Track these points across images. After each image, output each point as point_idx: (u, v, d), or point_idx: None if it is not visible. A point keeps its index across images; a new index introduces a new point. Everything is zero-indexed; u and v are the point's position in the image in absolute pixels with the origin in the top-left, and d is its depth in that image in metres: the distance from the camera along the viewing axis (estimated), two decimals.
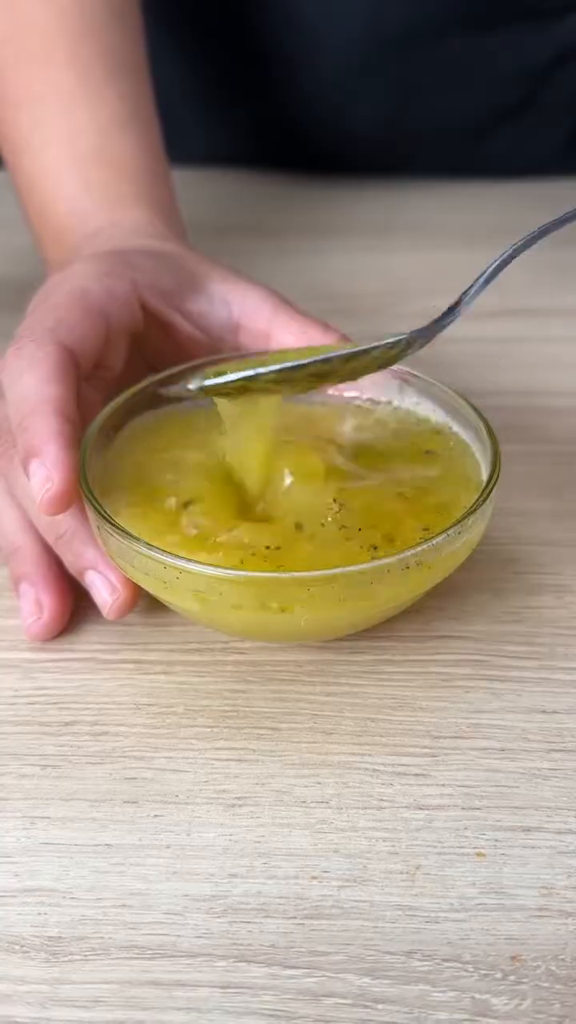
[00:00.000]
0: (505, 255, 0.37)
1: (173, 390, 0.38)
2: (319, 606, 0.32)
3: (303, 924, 0.29)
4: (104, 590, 0.36)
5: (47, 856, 0.31)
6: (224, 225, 0.66)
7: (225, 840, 0.31)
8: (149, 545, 0.33)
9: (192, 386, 0.36)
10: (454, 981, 0.28)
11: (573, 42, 0.64)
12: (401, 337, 0.36)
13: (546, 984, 0.28)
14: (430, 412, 0.40)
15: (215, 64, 0.66)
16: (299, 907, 0.30)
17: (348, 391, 0.42)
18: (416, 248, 0.63)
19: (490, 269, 0.37)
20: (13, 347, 0.37)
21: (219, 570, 0.32)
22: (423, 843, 0.31)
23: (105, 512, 0.34)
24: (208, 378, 0.35)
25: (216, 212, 0.67)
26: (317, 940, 0.29)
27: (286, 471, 0.37)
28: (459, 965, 0.28)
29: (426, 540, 0.33)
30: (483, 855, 0.31)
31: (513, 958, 0.29)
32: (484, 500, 0.35)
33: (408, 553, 0.32)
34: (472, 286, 0.37)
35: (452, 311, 0.37)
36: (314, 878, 0.30)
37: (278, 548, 0.34)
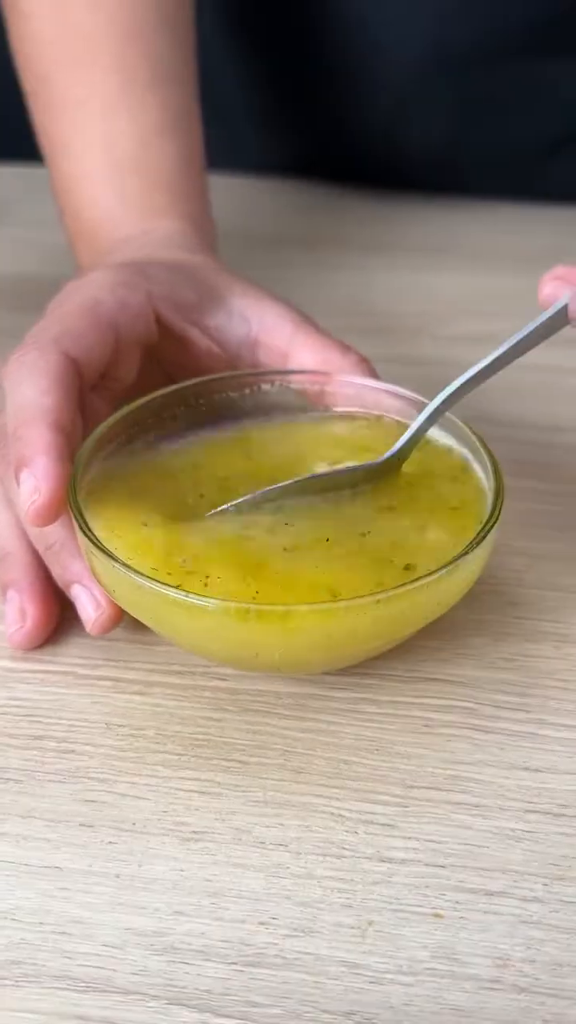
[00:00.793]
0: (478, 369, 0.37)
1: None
2: (291, 641, 0.31)
3: (243, 971, 0.28)
4: (89, 605, 0.36)
5: None
6: (272, 235, 0.65)
7: (176, 875, 0.31)
8: (124, 564, 0.32)
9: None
10: None
11: None
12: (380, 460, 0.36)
13: None
14: (451, 444, 0.39)
15: (276, 75, 0.66)
16: (241, 953, 0.29)
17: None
18: (463, 270, 0.62)
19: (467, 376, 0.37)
20: (17, 353, 0.37)
21: (183, 594, 0.31)
22: (379, 898, 0.30)
23: (86, 527, 0.33)
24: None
25: (266, 222, 0.67)
26: (255, 990, 0.28)
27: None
28: None
29: (408, 581, 0.32)
30: (441, 916, 0.30)
31: None
32: (478, 543, 0.33)
33: (388, 593, 0.31)
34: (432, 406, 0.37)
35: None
36: (261, 924, 0.29)
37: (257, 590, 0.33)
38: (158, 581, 0.31)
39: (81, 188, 0.49)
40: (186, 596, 0.31)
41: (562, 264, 0.37)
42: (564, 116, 0.63)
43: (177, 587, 0.31)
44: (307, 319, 0.42)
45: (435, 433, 0.39)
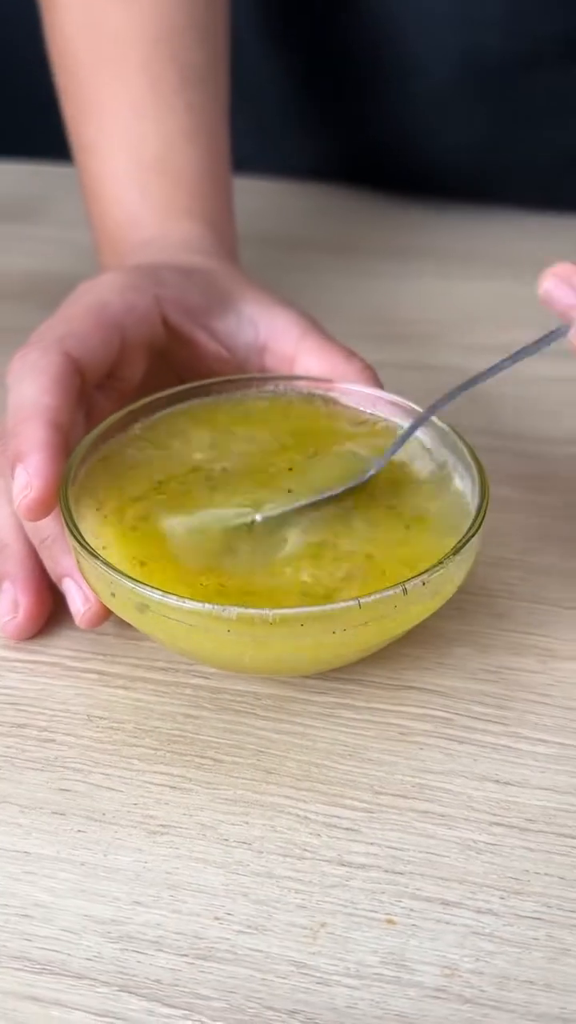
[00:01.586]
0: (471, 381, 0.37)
1: None
2: (262, 643, 0.32)
3: (193, 964, 0.29)
4: (78, 599, 0.37)
5: None
6: (299, 239, 0.66)
7: (139, 866, 0.31)
8: (104, 562, 0.33)
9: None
10: None
11: None
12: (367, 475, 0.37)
13: None
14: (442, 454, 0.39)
15: (309, 79, 0.66)
16: (194, 946, 0.29)
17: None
18: (487, 278, 0.61)
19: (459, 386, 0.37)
20: (21, 352, 0.38)
21: (156, 593, 0.32)
22: (335, 901, 0.30)
23: (72, 523, 0.34)
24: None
25: (293, 225, 0.67)
26: (202, 983, 0.29)
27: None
28: None
29: (384, 589, 0.32)
30: (393, 922, 0.30)
31: None
32: (458, 551, 0.33)
33: (368, 599, 0.32)
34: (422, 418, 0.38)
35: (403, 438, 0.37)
36: (216, 919, 0.30)
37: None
38: (138, 582, 0.32)
39: (106, 189, 0.50)
40: (162, 597, 0.32)
41: (564, 262, 0.37)
42: None
43: (153, 587, 0.32)
44: (315, 325, 0.43)
45: (425, 441, 0.39)
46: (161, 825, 0.32)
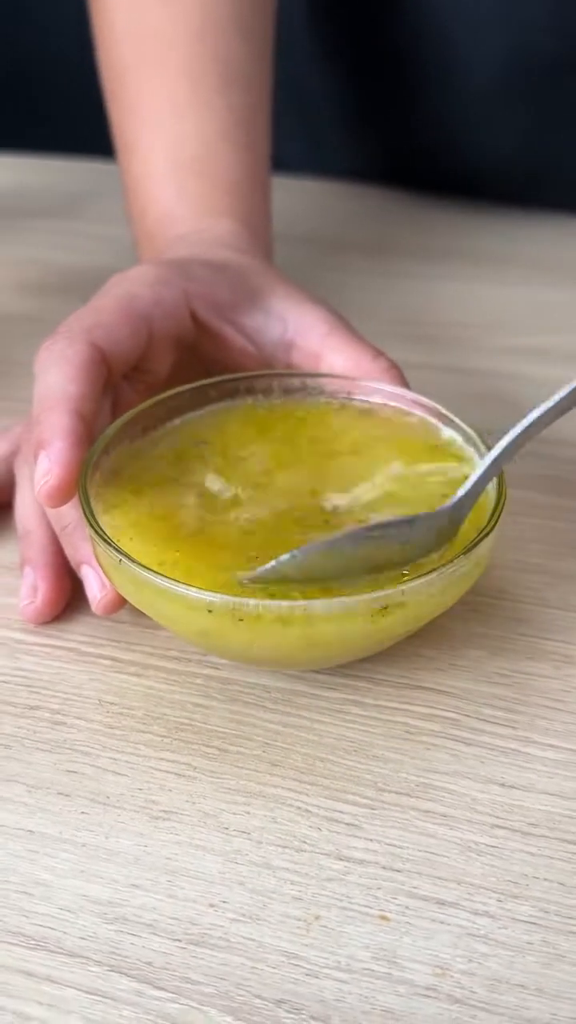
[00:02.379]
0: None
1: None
2: (259, 634, 0.32)
3: (185, 949, 0.29)
4: (95, 585, 0.37)
5: None
6: (341, 239, 0.66)
7: (139, 850, 0.32)
8: (118, 550, 0.33)
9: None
10: None
11: None
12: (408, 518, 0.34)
13: None
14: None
15: (357, 81, 0.66)
16: (187, 931, 0.30)
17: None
18: (524, 282, 0.61)
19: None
20: (48, 341, 0.39)
21: (171, 584, 0.32)
22: (330, 894, 0.30)
23: (90, 511, 0.35)
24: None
25: (335, 225, 0.67)
26: (193, 968, 0.29)
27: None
28: None
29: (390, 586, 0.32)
30: (387, 919, 0.30)
31: None
32: (474, 546, 0.33)
33: (375, 595, 0.32)
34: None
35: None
36: (211, 906, 0.30)
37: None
38: (152, 571, 0.33)
39: (145, 188, 0.51)
40: (174, 586, 0.32)
41: None
42: None
43: (166, 576, 0.33)
44: (342, 323, 0.43)
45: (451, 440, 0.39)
46: (164, 811, 0.33)
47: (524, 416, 0.35)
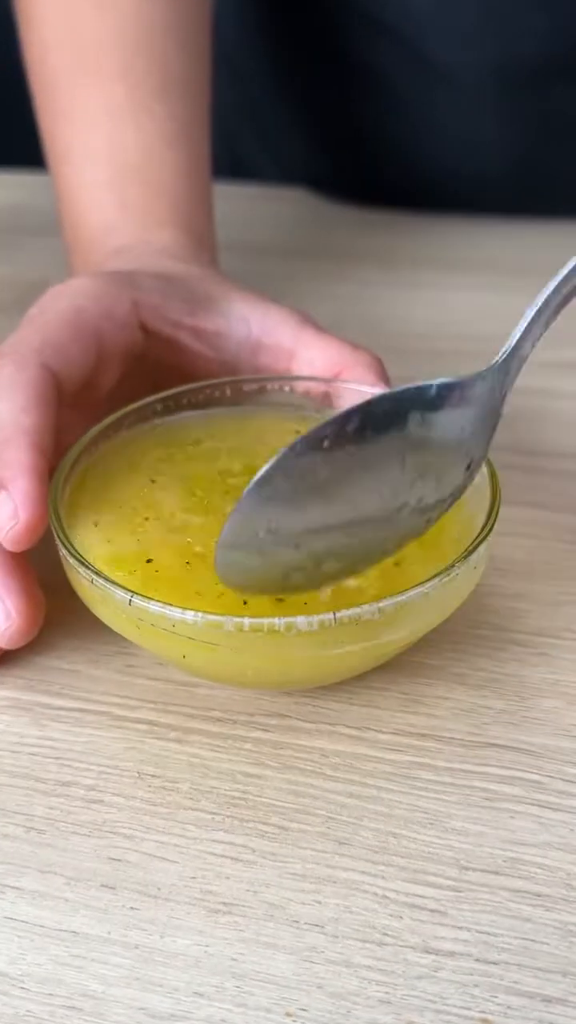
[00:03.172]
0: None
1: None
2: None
3: None
4: None
5: (7, 933, 0.28)
6: (349, 252, 0.63)
7: (199, 951, 0.28)
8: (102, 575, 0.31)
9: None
10: None
11: None
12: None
13: None
14: None
15: (341, 95, 0.63)
16: None
17: None
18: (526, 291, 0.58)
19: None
20: None
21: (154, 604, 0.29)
22: (422, 995, 0.27)
23: (63, 534, 0.32)
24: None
25: (332, 239, 0.64)
26: None
27: None
28: None
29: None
30: (489, 1022, 0.26)
31: None
32: (463, 557, 0.31)
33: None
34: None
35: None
36: (288, 1015, 0.27)
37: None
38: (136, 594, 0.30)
39: (82, 196, 0.48)
40: (162, 609, 0.29)
41: None
42: None
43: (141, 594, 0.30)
44: (311, 319, 0.40)
45: None
46: (223, 903, 0.29)
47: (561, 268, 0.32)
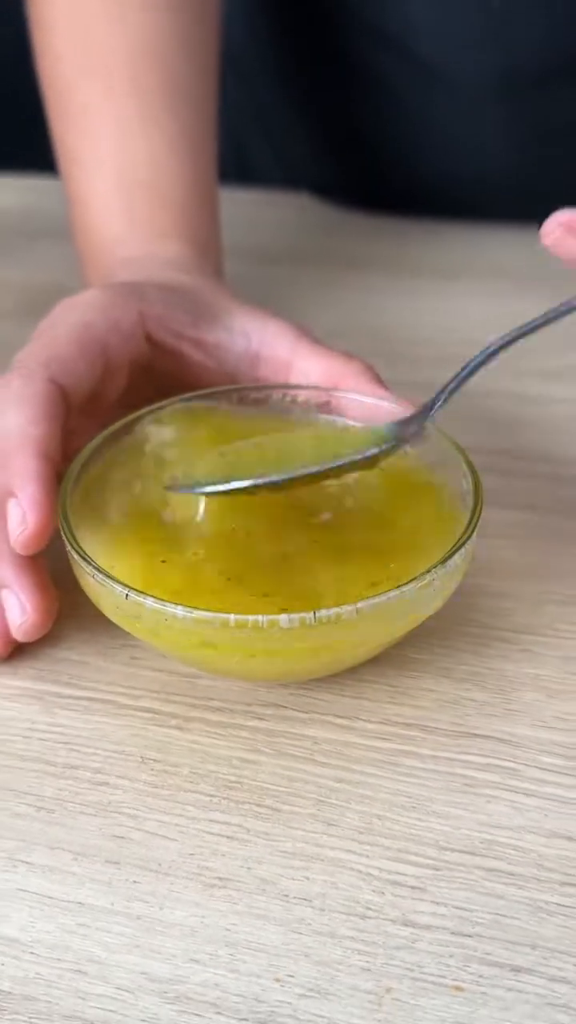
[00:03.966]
0: (494, 347, 0.37)
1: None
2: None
3: None
4: (15, 610, 0.36)
5: (19, 903, 0.31)
6: (358, 258, 0.65)
7: (196, 921, 0.30)
8: (126, 586, 0.33)
9: (171, 487, 0.37)
10: None
11: None
12: (382, 447, 0.37)
13: None
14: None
15: (344, 102, 0.65)
16: (254, 1009, 0.28)
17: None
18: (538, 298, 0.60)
19: (477, 360, 0.37)
20: (3, 379, 0.38)
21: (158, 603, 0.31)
22: (401, 964, 0.29)
23: (72, 537, 0.34)
24: (191, 482, 0.36)
25: (351, 244, 0.66)
26: None
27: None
28: None
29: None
30: (461, 989, 0.29)
31: None
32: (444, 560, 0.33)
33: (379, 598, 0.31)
34: (459, 374, 0.38)
35: (436, 402, 0.37)
36: (277, 980, 0.29)
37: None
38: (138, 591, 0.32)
39: (92, 203, 0.50)
40: (161, 606, 0.32)
41: (564, 209, 0.35)
42: None
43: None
44: (308, 331, 0.43)
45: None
46: (218, 878, 0.31)
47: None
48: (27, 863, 0.32)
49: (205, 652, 0.32)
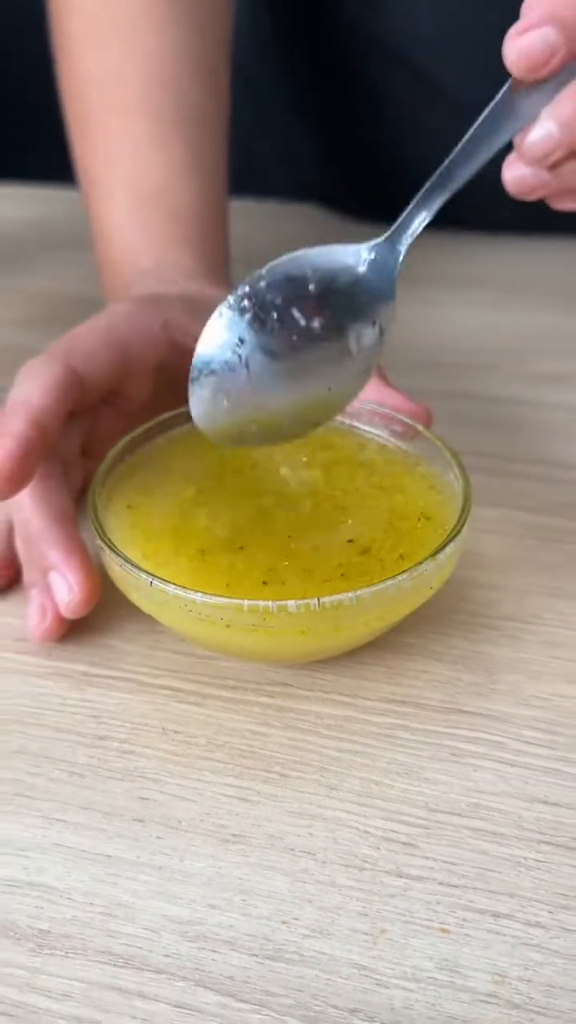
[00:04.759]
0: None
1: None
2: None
3: (263, 963, 0.32)
4: (63, 589, 0.40)
5: (56, 856, 0.35)
6: None
7: (212, 871, 0.34)
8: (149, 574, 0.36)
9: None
10: None
11: None
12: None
13: None
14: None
15: (347, 116, 0.69)
16: (264, 947, 0.32)
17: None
18: (542, 308, 0.64)
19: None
20: (28, 363, 0.42)
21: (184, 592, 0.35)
22: (393, 910, 0.33)
23: (98, 522, 0.38)
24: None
25: None
26: (272, 981, 0.31)
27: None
28: None
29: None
30: (447, 931, 0.32)
31: None
32: (439, 549, 0.36)
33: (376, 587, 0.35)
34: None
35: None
36: (284, 922, 0.33)
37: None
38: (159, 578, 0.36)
39: (109, 219, 0.55)
40: (186, 594, 0.35)
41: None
42: None
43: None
44: None
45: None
46: (232, 834, 0.35)
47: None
48: (63, 821, 0.36)
49: (215, 633, 0.36)
